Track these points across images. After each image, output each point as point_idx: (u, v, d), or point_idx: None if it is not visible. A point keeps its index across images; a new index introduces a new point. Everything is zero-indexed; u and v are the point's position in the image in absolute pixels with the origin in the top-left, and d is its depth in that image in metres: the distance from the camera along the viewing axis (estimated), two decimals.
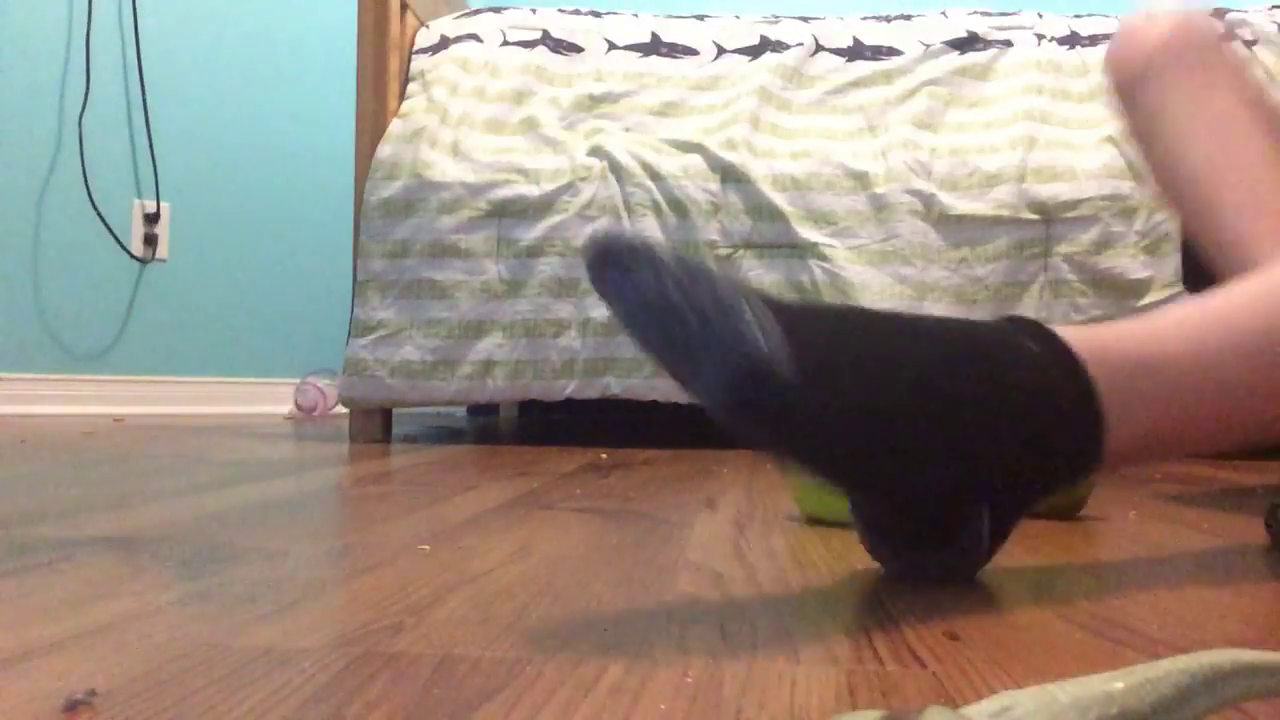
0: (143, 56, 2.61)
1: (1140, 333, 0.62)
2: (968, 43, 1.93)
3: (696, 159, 1.72)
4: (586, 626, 0.46)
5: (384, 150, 1.76)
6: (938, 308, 1.65)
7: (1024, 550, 0.71)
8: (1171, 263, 1.63)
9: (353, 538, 0.70)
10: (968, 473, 0.53)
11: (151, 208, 2.64)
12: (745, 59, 1.94)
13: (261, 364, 2.81)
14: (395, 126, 1.80)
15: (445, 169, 1.74)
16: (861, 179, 1.69)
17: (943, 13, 2.05)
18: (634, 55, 1.96)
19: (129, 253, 2.60)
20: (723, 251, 1.68)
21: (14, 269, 2.39)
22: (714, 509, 0.89)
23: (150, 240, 2.64)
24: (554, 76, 1.93)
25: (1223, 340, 0.62)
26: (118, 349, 2.59)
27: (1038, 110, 1.79)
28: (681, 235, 1.69)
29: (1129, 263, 1.64)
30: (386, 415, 1.80)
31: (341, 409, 2.57)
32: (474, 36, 1.98)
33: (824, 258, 1.65)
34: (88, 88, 2.50)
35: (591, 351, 1.68)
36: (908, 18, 2.04)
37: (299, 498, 0.90)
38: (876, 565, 0.63)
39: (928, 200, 1.67)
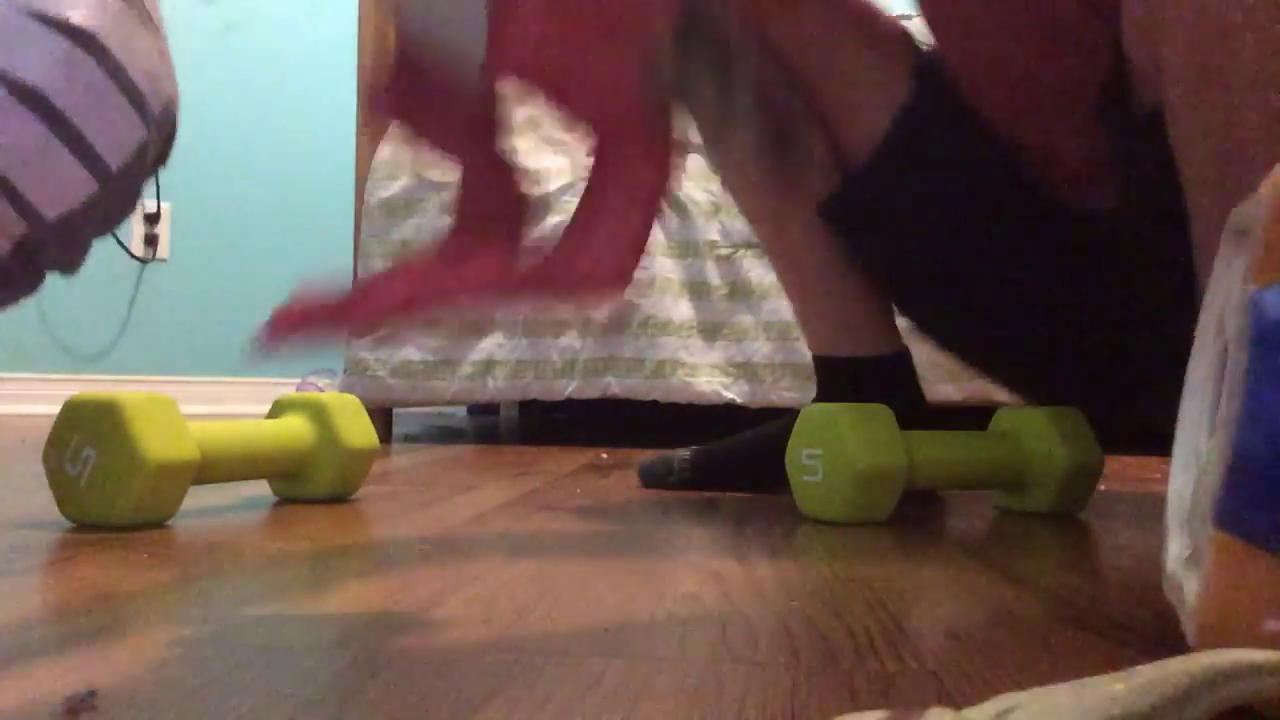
0: None
1: None
2: None
3: (697, 159, 1.72)
4: (586, 626, 0.46)
5: (384, 150, 1.76)
6: None
7: (1024, 550, 0.71)
8: None
9: (353, 538, 0.70)
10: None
11: (152, 208, 2.64)
12: None
13: (261, 364, 2.82)
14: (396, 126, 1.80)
15: (446, 169, 1.74)
16: None
17: None
18: None
19: (129, 253, 2.60)
20: (723, 251, 1.68)
21: None
22: (714, 509, 0.89)
23: (150, 240, 2.64)
24: None
25: None
26: (118, 349, 2.59)
27: None
28: (682, 235, 1.69)
29: None
30: (387, 415, 1.80)
31: None
32: None
33: None
34: None
35: (592, 351, 1.68)
36: (908, 18, 2.04)
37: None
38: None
39: None
